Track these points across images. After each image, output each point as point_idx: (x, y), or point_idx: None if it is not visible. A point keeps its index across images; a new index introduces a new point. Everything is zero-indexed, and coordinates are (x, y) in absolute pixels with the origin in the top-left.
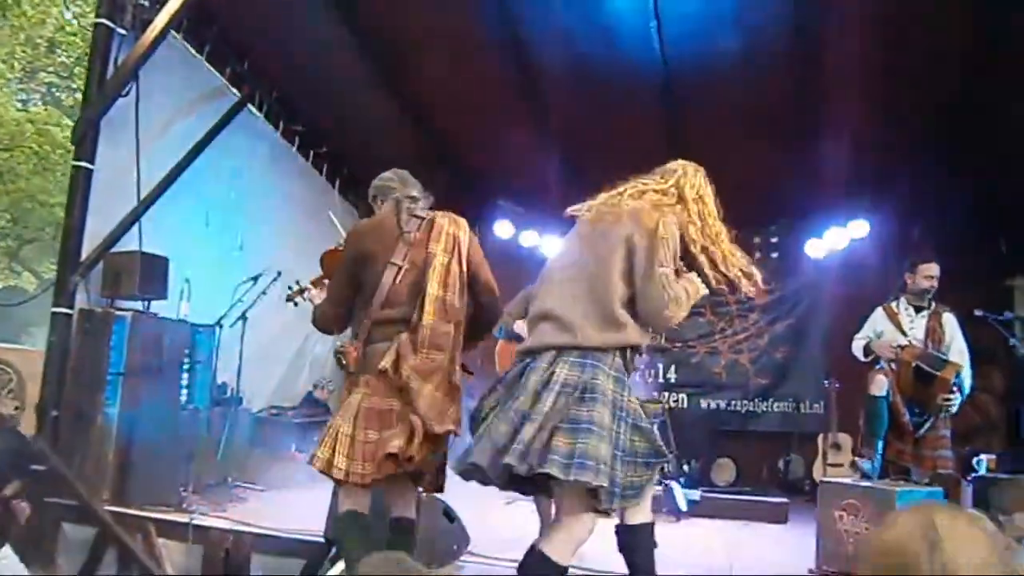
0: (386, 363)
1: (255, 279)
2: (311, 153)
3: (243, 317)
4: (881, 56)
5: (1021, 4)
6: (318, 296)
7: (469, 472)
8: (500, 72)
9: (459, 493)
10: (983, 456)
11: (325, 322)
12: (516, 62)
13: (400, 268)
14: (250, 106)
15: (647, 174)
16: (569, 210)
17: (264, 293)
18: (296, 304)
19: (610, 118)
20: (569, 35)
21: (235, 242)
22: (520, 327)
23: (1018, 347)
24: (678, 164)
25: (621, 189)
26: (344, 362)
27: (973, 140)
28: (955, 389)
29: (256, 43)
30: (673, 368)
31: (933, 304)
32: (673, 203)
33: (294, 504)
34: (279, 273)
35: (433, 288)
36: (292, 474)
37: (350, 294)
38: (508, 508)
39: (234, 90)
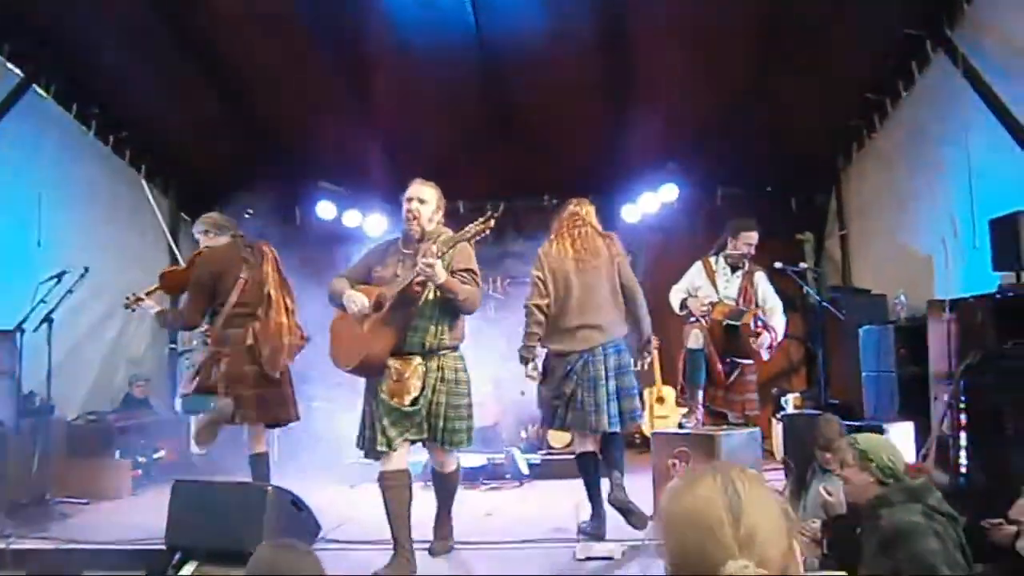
0: (249, 340)
1: (59, 277)
2: (111, 138)
3: (48, 319)
4: (685, 33)
5: None
6: (156, 304)
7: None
8: (316, 51)
9: (304, 481)
10: (789, 395)
11: (191, 322)
12: (332, 40)
13: (246, 280)
14: (36, 87)
15: (567, 212)
16: (541, 251)
17: (71, 292)
18: (133, 311)
19: (429, 96)
20: (386, 12)
21: (33, 238)
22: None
23: (811, 294)
24: (580, 201)
25: (576, 231)
26: (208, 341)
27: (767, 112)
28: (761, 329)
29: (40, 16)
30: (504, 339)
31: (747, 264)
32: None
33: (126, 512)
34: (86, 269)
35: (274, 292)
36: (119, 482)
37: (209, 302)
38: (353, 492)
39: (15, 69)
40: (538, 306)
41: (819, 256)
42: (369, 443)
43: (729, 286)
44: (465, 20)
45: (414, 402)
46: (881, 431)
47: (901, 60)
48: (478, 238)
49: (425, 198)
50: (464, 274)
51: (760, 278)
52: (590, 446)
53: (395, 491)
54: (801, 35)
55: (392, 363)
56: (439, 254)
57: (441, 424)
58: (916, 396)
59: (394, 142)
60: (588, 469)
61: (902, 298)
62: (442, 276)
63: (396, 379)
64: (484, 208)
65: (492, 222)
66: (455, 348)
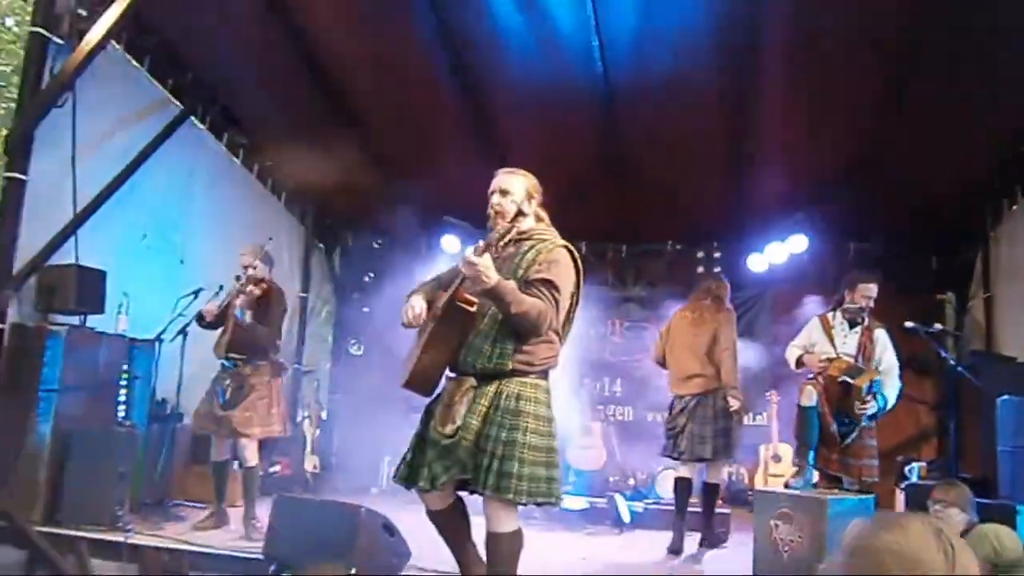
0: None
1: (196, 293)
2: (255, 166)
3: (183, 332)
4: (817, 79)
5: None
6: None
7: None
8: (444, 91)
9: (397, 507)
10: (915, 464)
11: (275, 343)
12: (460, 81)
13: None
14: (193, 118)
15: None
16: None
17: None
18: (242, 292)
19: (553, 137)
20: (514, 53)
21: (176, 256)
22: None
23: (947, 358)
24: (711, 282)
25: (699, 301)
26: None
27: (907, 164)
28: (869, 397)
29: (198, 54)
30: (618, 382)
31: (868, 320)
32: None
33: (238, 520)
34: (221, 287)
35: None
36: (235, 491)
37: None
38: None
39: (176, 102)
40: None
41: (960, 319)
42: (407, 471)
43: (847, 343)
44: (592, 63)
45: (455, 432)
46: (1015, 512)
47: None
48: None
49: (508, 188)
50: (540, 286)
51: (880, 335)
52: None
53: (450, 526)
54: (943, 82)
55: (447, 384)
56: (495, 249)
57: (487, 463)
58: None
59: None
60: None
61: None
62: (492, 279)
63: (447, 403)
64: (606, 251)
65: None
66: (527, 374)
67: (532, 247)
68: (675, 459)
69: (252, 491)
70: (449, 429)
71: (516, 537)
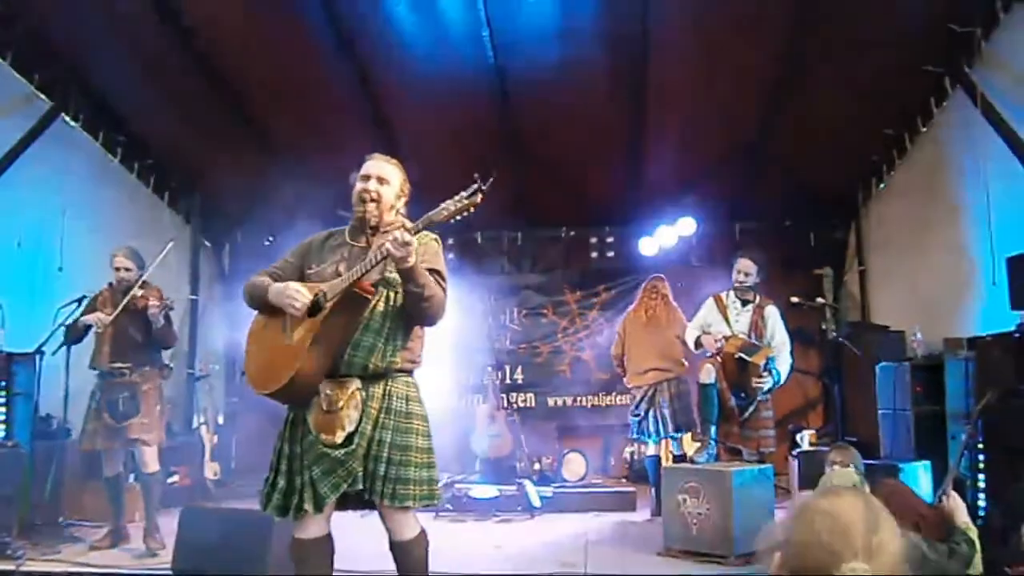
0: None
1: (79, 301)
2: (136, 165)
3: (67, 343)
4: (702, 66)
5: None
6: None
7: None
8: (336, 82)
9: None
10: (805, 431)
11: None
12: (353, 70)
13: None
14: (64, 115)
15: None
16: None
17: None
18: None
19: (445, 126)
20: (406, 44)
21: (54, 263)
22: None
23: (828, 330)
24: (655, 281)
25: (649, 300)
26: None
27: (784, 146)
28: (766, 373)
29: (69, 46)
30: (519, 369)
31: (758, 297)
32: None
33: (138, 537)
34: (84, 296)
35: None
36: (132, 506)
37: None
38: (363, 521)
39: (44, 98)
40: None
41: (837, 292)
42: (281, 498)
43: (740, 320)
44: (483, 53)
45: (348, 440)
46: (897, 470)
47: (920, 96)
48: (459, 217)
49: (387, 177)
50: (433, 276)
51: (771, 312)
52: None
53: (315, 562)
54: (819, 71)
55: (323, 388)
56: (414, 232)
57: (383, 471)
58: (933, 435)
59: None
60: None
61: (919, 335)
62: (412, 262)
63: (327, 409)
64: (501, 238)
65: (479, 198)
66: (409, 372)
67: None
68: (644, 440)
69: (154, 500)
70: (340, 437)
71: (423, 539)
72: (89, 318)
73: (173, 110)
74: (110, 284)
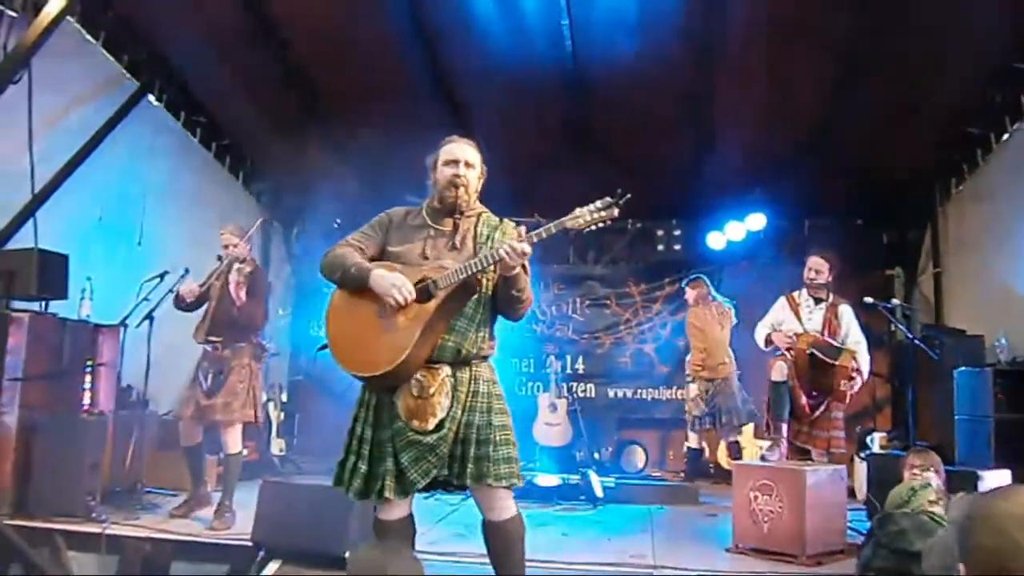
0: None
1: (161, 276)
2: (213, 145)
3: (149, 317)
4: (774, 60)
5: (895, 16)
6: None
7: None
8: (409, 70)
9: None
10: (875, 434)
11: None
12: (427, 58)
13: None
14: (150, 96)
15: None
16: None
17: (172, 291)
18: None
19: (518, 115)
20: (482, 32)
21: (133, 238)
22: None
23: (902, 331)
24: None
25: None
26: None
27: (859, 143)
28: (855, 374)
29: (156, 30)
30: (581, 359)
31: (831, 296)
32: None
33: (210, 508)
34: (186, 271)
35: None
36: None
37: None
38: (427, 503)
39: (132, 79)
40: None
41: (909, 293)
42: (362, 483)
43: (813, 318)
44: (561, 43)
45: (439, 426)
46: (975, 477)
47: (1007, 94)
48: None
49: (473, 161)
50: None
51: (844, 311)
52: None
53: (401, 538)
54: (898, 65)
55: (416, 374)
56: (532, 240)
57: (478, 452)
58: (1014, 443)
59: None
60: None
61: (1003, 340)
62: (519, 270)
63: (417, 395)
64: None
65: (615, 212)
66: (489, 358)
67: (488, 225)
68: (714, 431)
69: (233, 480)
70: (431, 424)
71: (521, 520)
72: (182, 289)
73: (249, 95)
74: (219, 257)
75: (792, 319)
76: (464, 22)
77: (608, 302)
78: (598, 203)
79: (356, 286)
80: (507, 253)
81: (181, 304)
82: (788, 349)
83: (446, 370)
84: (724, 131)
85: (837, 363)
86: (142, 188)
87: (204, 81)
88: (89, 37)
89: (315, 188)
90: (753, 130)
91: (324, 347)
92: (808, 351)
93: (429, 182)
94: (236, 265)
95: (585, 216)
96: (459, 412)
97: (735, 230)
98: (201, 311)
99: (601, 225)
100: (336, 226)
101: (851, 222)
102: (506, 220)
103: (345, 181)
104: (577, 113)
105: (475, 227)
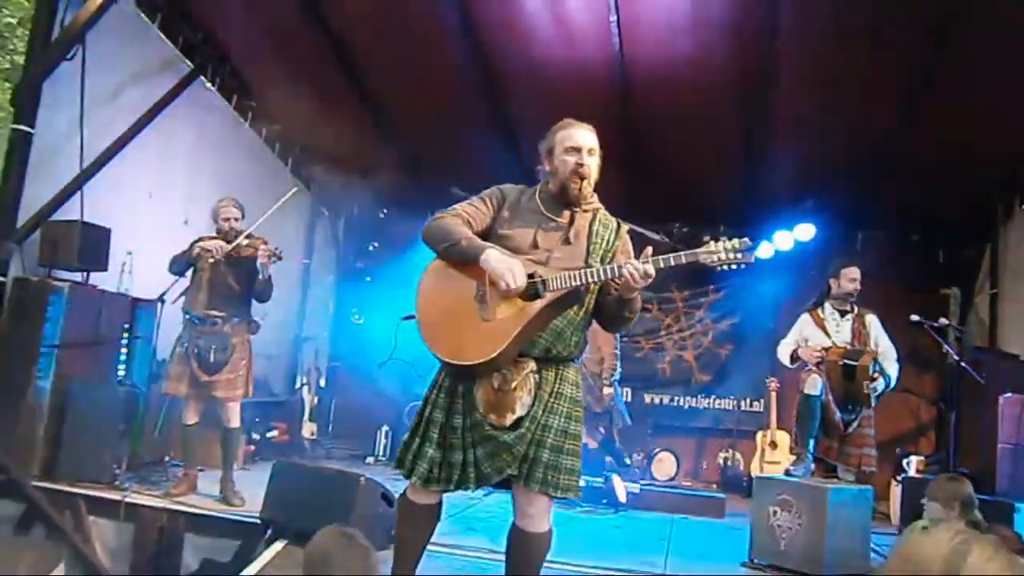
0: None
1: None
2: (263, 130)
3: (173, 271)
4: (836, 70)
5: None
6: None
7: None
8: (456, 63)
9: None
10: (913, 457)
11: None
12: (474, 52)
13: None
14: (203, 78)
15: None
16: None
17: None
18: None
19: (563, 113)
20: (530, 27)
21: (180, 217)
22: None
23: (951, 353)
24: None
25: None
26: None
27: (919, 157)
28: (875, 375)
29: (209, 13)
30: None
31: (855, 308)
32: None
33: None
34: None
35: None
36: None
37: None
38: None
39: (187, 61)
40: None
41: (964, 314)
42: (428, 468)
43: (841, 331)
44: (608, 41)
45: (516, 424)
46: (1012, 510)
47: None
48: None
49: (596, 149)
50: None
51: (872, 320)
52: None
53: (421, 528)
54: (961, 74)
55: None
56: (658, 265)
57: (546, 457)
58: None
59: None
60: None
61: None
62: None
63: (498, 388)
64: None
65: (752, 258)
66: (575, 360)
67: (604, 225)
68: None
69: (234, 454)
70: (509, 420)
71: (550, 537)
72: (208, 244)
73: (300, 81)
74: (213, 236)
75: (819, 334)
76: (510, 17)
77: (650, 306)
78: (736, 242)
79: (464, 260)
80: (631, 274)
81: (183, 260)
82: (818, 364)
83: (531, 365)
84: (778, 137)
85: (858, 364)
86: (192, 169)
87: (256, 66)
88: (146, 19)
89: (362, 176)
90: (809, 137)
91: (411, 317)
92: (840, 363)
93: (544, 168)
94: (244, 240)
95: (720, 254)
96: (540, 412)
97: (783, 239)
98: (197, 283)
99: (732, 268)
100: (382, 216)
101: (907, 237)
102: (623, 225)
103: (392, 170)
104: (624, 113)
105: (590, 224)
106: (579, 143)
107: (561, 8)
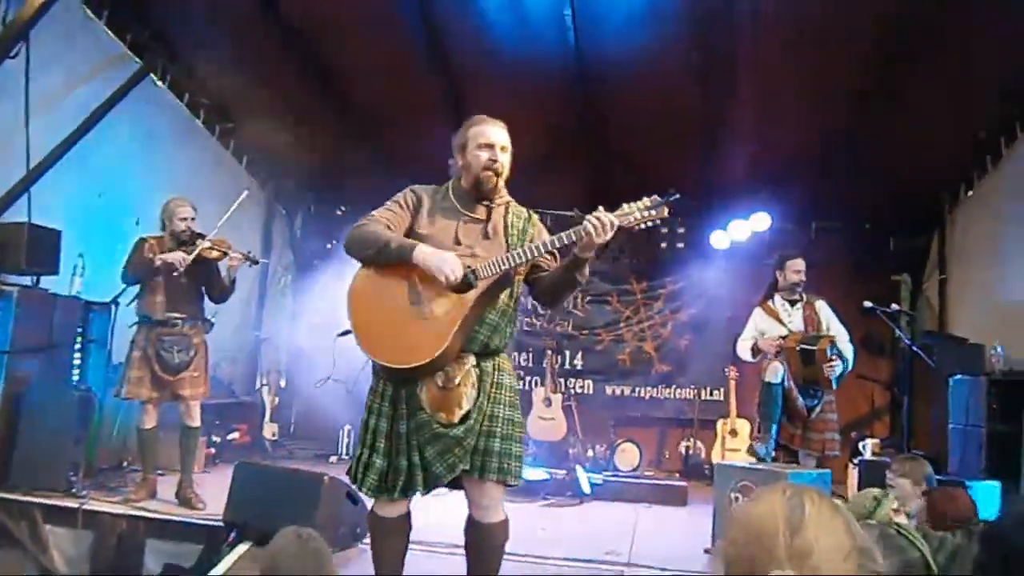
0: None
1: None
2: (217, 128)
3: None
4: (789, 61)
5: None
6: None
7: None
8: (413, 59)
9: None
10: (868, 441)
11: None
12: (431, 47)
13: None
14: (153, 76)
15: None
16: None
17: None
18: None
19: (521, 106)
20: (486, 21)
21: (131, 217)
22: None
23: (902, 337)
24: None
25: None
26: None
27: (871, 147)
28: (834, 357)
29: (159, 9)
30: (579, 355)
31: (804, 296)
32: None
33: (196, 487)
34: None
35: None
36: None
37: None
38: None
39: (136, 58)
40: None
41: (915, 300)
42: (377, 479)
43: (793, 319)
44: (564, 35)
45: (465, 418)
46: (965, 488)
47: (1019, 100)
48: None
49: (507, 144)
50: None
51: (822, 306)
52: None
53: (394, 540)
54: (911, 69)
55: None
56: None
57: (497, 446)
58: (1006, 455)
59: None
60: None
61: (999, 350)
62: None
63: (443, 386)
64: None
65: (665, 211)
66: (504, 351)
67: (517, 216)
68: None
69: (194, 454)
70: (457, 416)
71: (507, 525)
72: (170, 257)
73: (254, 78)
74: (160, 236)
75: (775, 324)
76: (466, 10)
77: (609, 298)
78: (647, 200)
79: (395, 262)
80: (595, 227)
81: (142, 271)
82: (777, 353)
83: (471, 360)
84: (733, 129)
85: (816, 348)
86: (143, 168)
87: (208, 63)
88: (91, 15)
89: (320, 174)
90: (763, 129)
91: (347, 332)
92: (797, 348)
93: (455, 163)
94: (207, 243)
95: (635, 214)
96: (485, 403)
97: (739, 230)
98: (151, 287)
99: (649, 225)
100: (340, 213)
101: (859, 226)
102: (534, 214)
103: (350, 169)
104: (580, 107)
105: (504, 216)
106: (492, 139)
107: (516, 3)
